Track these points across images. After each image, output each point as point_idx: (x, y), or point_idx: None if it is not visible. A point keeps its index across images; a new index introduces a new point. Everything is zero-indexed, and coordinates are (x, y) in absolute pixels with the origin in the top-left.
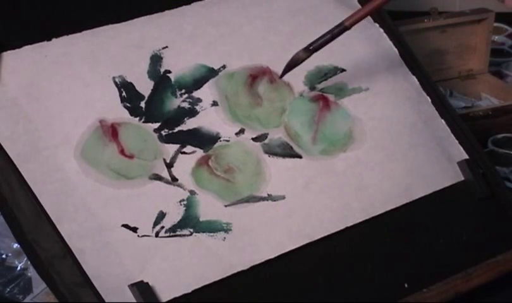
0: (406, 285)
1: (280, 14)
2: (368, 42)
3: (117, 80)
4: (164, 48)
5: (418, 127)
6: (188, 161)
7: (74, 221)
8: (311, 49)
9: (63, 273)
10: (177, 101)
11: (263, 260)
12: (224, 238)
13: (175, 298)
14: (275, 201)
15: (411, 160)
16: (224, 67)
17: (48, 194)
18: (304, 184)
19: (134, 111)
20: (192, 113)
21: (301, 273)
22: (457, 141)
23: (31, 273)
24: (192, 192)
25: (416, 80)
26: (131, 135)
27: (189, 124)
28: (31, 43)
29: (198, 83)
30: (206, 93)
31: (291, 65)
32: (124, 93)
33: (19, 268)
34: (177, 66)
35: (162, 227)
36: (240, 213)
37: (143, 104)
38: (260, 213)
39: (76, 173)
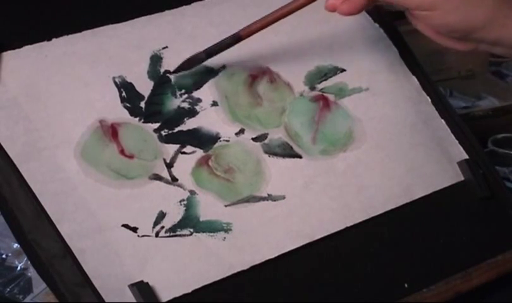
0: (406, 285)
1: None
2: (368, 42)
3: (117, 80)
4: (164, 48)
5: (418, 127)
6: (188, 161)
7: (74, 221)
8: (206, 52)
9: (63, 273)
10: (177, 102)
11: (263, 260)
12: (224, 238)
13: (175, 298)
14: (275, 201)
15: (411, 160)
16: (224, 67)
17: (48, 194)
18: (304, 184)
19: (134, 111)
20: (192, 113)
21: (301, 273)
22: (457, 141)
23: (31, 273)
24: (192, 192)
25: (416, 80)
26: (131, 135)
27: (189, 124)
28: (31, 43)
29: (198, 83)
30: (206, 93)
31: (188, 65)
32: (124, 93)
33: (19, 268)
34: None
35: (162, 227)
36: (240, 213)
37: (143, 104)
38: (260, 213)
39: (76, 173)
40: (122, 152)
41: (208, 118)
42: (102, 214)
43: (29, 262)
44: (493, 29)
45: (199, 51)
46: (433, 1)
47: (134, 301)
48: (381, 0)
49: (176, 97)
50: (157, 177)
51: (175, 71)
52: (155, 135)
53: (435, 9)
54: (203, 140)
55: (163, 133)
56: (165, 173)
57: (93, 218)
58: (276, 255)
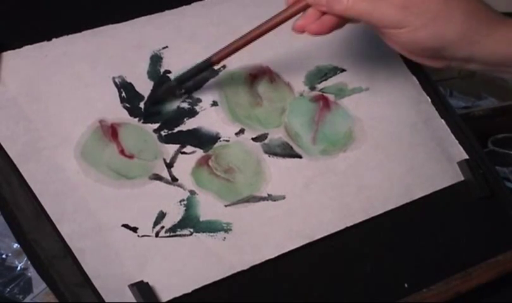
0: (406, 285)
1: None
2: (368, 42)
3: (117, 80)
4: (164, 48)
5: (418, 127)
6: (188, 161)
7: (74, 221)
8: (178, 80)
9: (63, 273)
10: (176, 102)
11: (263, 260)
12: (224, 238)
13: (175, 298)
14: (275, 201)
15: (411, 160)
16: (224, 67)
17: (48, 194)
18: (304, 184)
19: (133, 111)
20: (192, 113)
21: (301, 273)
22: (457, 141)
23: (31, 273)
24: (192, 192)
25: (416, 80)
26: (131, 135)
27: (189, 124)
28: (31, 43)
29: (198, 83)
30: (206, 93)
31: (161, 96)
32: (123, 94)
33: (19, 268)
34: (177, 66)
35: (162, 227)
36: (240, 213)
37: (142, 104)
38: (260, 213)
39: (76, 173)
40: (122, 152)
41: (208, 118)
42: (102, 214)
43: (29, 262)
44: (464, 47)
45: (170, 80)
46: (401, 19)
47: (134, 301)
48: (351, 18)
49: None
50: (157, 177)
51: (150, 105)
52: (155, 135)
53: (403, 27)
54: (203, 140)
55: (163, 133)
56: (165, 173)
57: (93, 218)
58: (276, 255)
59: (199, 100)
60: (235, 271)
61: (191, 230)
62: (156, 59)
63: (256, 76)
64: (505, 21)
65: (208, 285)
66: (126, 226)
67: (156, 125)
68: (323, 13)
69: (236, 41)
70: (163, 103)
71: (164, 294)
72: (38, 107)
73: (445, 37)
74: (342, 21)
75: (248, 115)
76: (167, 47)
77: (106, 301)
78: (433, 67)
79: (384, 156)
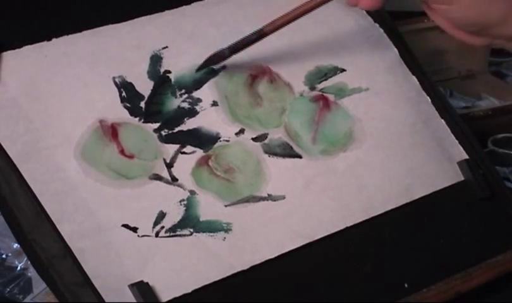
0: (406, 285)
1: (280, 15)
2: (368, 42)
3: (117, 80)
4: (164, 48)
5: (418, 127)
6: (188, 161)
7: (74, 221)
8: (230, 49)
9: (63, 273)
10: (177, 102)
11: (263, 260)
12: (224, 238)
13: (175, 298)
14: (275, 201)
15: (411, 160)
16: (224, 67)
17: (48, 194)
18: (304, 184)
19: (134, 111)
20: (192, 113)
21: (301, 273)
22: (457, 141)
23: (31, 273)
24: (192, 192)
25: (416, 80)
26: (131, 135)
27: (189, 124)
28: (31, 43)
29: (198, 83)
30: (206, 93)
31: (213, 61)
32: (124, 93)
33: (19, 268)
34: (177, 66)
35: (162, 227)
36: (240, 213)
37: (143, 104)
38: (260, 213)
39: (76, 173)
40: (122, 152)
41: (208, 118)
42: (102, 214)
43: (29, 262)
44: (511, 25)
45: (222, 48)
46: None
47: (134, 301)
48: None
49: (176, 97)
50: (157, 177)
51: (199, 69)
52: (155, 135)
53: (454, 2)
54: (203, 140)
55: (163, 133)
56: (165, 173)
57: (93, 218)
58: (276, 255)
59: (199, 100)
60: (235, 271)
61: (191, 230)
62: (156, 59)
63: (256, 76)
64: None
65: (208, 285)
66: (126, 226)
67: (156, 125)
68: None
69: (289, 13)
70: (163, 101)
71: (164, 294)
72: (38, 107)
73: (493, 15)
74: None
75: (248, 115)
76: (167, 47)
77: (106, 301)
78: (474, 44)
79: (384, 156)
